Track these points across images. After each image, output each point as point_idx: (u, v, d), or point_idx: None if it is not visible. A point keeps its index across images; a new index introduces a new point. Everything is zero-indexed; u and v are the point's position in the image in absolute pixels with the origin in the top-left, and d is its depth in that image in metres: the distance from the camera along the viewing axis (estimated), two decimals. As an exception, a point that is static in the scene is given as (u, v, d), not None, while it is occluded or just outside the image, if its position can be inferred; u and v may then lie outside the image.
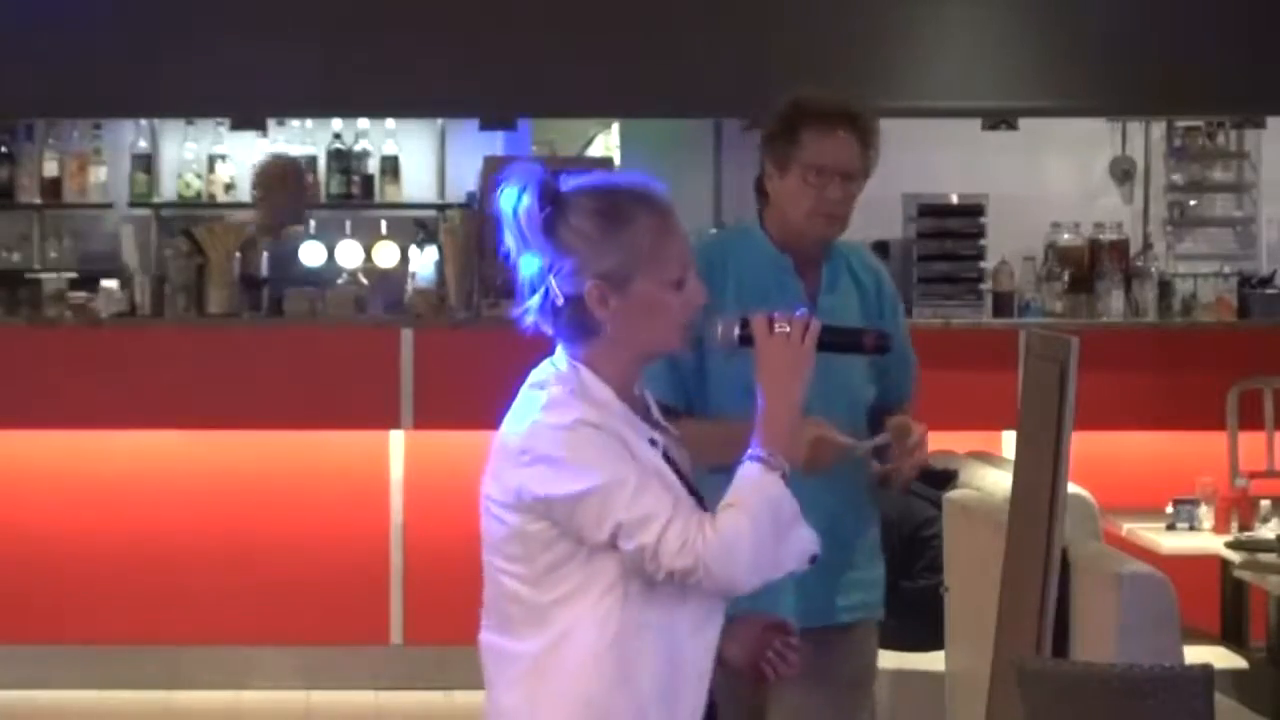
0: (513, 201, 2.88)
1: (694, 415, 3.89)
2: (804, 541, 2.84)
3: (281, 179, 8.17)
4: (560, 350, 2.92)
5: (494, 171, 7.79)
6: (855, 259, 4.25)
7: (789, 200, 4.07)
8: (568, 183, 2.91)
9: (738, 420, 3.69)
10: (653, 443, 2.88)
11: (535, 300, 2.88)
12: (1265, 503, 6.38)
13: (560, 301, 2.86)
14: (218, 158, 9.47)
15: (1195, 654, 5.08)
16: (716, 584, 2.79)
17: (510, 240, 2.89)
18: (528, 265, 2.88)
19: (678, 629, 2.85)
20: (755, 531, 2.78)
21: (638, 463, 2.82)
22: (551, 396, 2.85)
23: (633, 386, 2.93)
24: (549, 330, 2.90)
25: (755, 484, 2.81)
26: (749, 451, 2.85)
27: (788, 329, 2.90)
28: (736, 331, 2.96)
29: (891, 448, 3.99)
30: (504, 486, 2.87)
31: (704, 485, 3.02)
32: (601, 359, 2.90)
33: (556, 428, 2.82)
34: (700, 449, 3.76)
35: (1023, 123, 8.44)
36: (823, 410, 3.74)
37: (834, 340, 3.00)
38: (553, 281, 2.86)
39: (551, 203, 2.87)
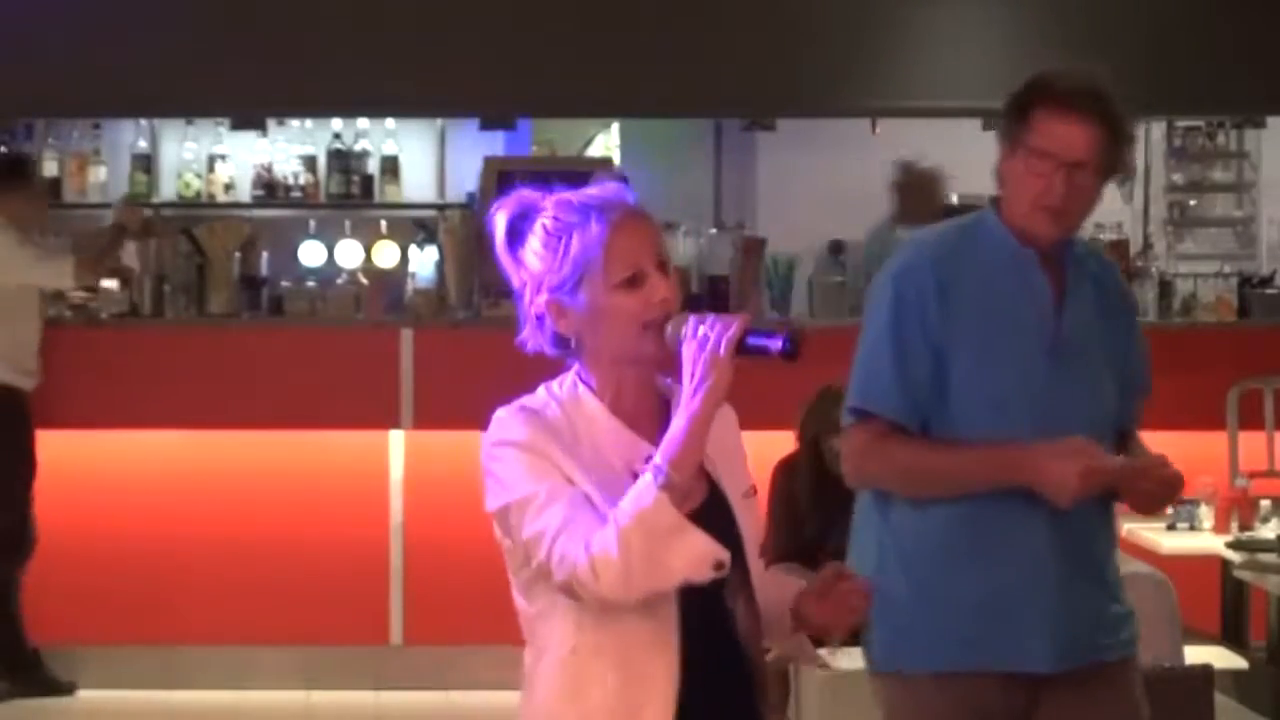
0: (496, 231, 2.92)
1: (929, 435, 3.54)
2: (695, 551, 2.74)
3: (919, 187, 7.94)
4: (574, 367, 2.94)
5: (495, 172, 7.81)
6: (1093, 258, 3.74)
7: (1013, 187, 3.60)
8: (545, 203, 2.92)
9: (974, 446, 3.50)
10: (649, 460, 2.83)
11: (528, 327, 2.92)
12: (1265, 503, 6.38)
13: (535, 323, 2.90)
14: (218, 158, 9.47)
15: (1195, 654, 5.08)
16: (593, 599, 2.76)
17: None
18: (516, 292, 2.93)
19: (634, 649, 2.82)
20: (623, 547, 2.71)
21: (555, 480, 2.79)
22: (500, 413, 2.87)
23: (632, 397, 2.90)
24: (548, 351, 2.92)
25: (635, 496, 2.74)
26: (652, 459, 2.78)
27: (708, 333, 2.76)
28: (683, 332, 2.80)
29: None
30: None
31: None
32: (590, 372, 2.91)
33: (487, 444, 2.86)
34: (922, 480, 3.55)
35: (1023, 123, 8.42)
36: (1074, 418, 3.48)
37: (751, 345, 2.75)
38: (529, 304, 2.90)
39: (519, 228, 2.90)
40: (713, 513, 2.88)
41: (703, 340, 2.76)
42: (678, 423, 2.77)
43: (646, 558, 2.73)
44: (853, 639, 2.95)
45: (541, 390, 2.92)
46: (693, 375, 2.76)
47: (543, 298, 2.87)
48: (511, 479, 2.82)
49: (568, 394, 2.90)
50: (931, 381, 3.50)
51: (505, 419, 2.86)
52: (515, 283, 2.92)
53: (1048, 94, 3.55)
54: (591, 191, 2.89)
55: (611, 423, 2.87)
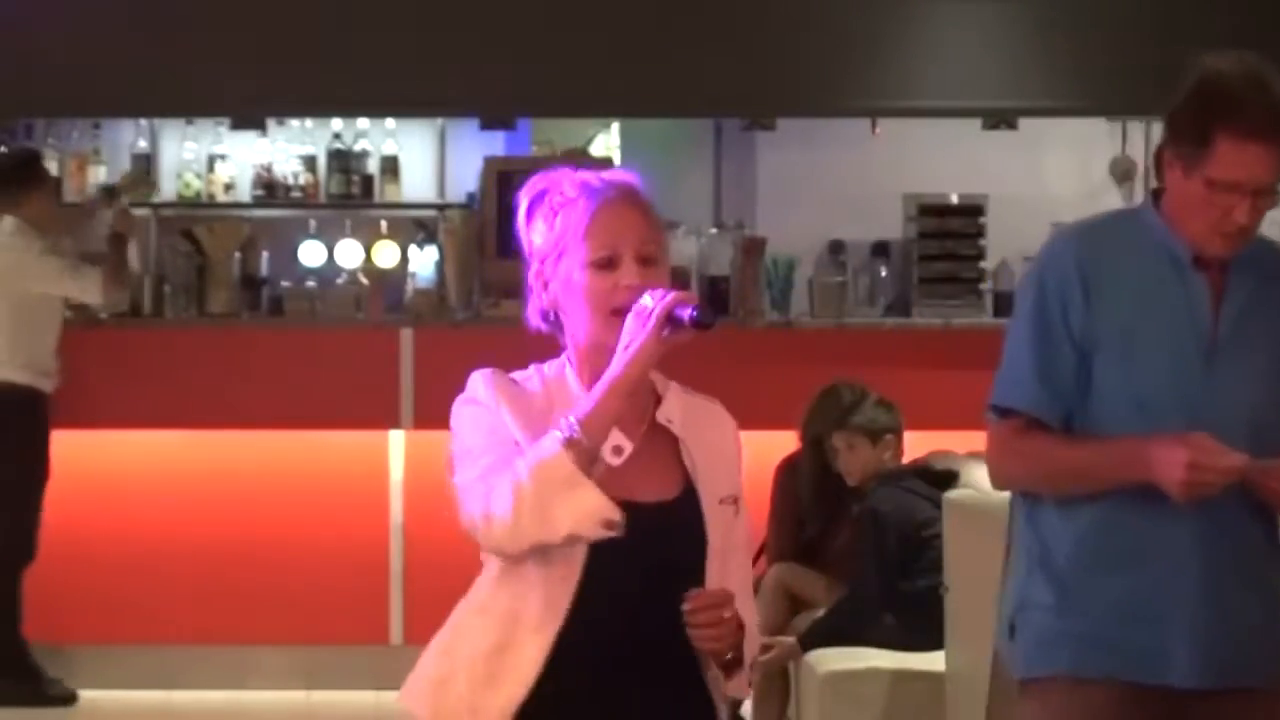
0: (520, 210, 2.98)
1: (1070, 431, 3.37)
2: (585, 506, 2.75)
3: None
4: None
5: (495, 172, 7.82)
6: (1271, 253, 3.44)
7: (1186, 207, 3.31)
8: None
9: (1099, 439, 3.31)
10: (616, 449, 2.84)
11: (529, 303, 2.98)
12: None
13: (531, 297, 2.96)
14: (218, 158, 9.46)
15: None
16: (487, 545, 2.84)
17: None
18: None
19: (522, 620, 2.85)
20: (516, 496, 2.76)
21: (498, 436, 2.85)
22: (472, 375, 2.95)
23: None
24: (544, 329, 2.97)
25: (538, 449, 2.79)
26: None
27: (650, 305, 2.80)
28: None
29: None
30: None
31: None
32: (574, 356, 2.94)
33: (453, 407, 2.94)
34: (1053, 475, 3.39)
35: (1023, 123, 8.44)
36: (1232, 423, 3.25)
37: (675, 316, 2.79)
38: (531, 278, 2.96)
39: (533, 208, 2.96)
40: (681, 512, 2.90)
41: (640, 311, 2.80)
42: (598, 384, 2.81)
43: (537, 508, 2.76)
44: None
45: (532, 367, 2.97)
46: (625, 339, 2.80)
47: (534, 268, 2.93)
48: (460, 433, 2.89)
49: (554, 372, 2.95)
50: (1074, 377, 3.35)
51: (472, 380, 2.94)
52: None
53: (1232, 120, 3.23)
54: (602, 174, 2.93)
55: None
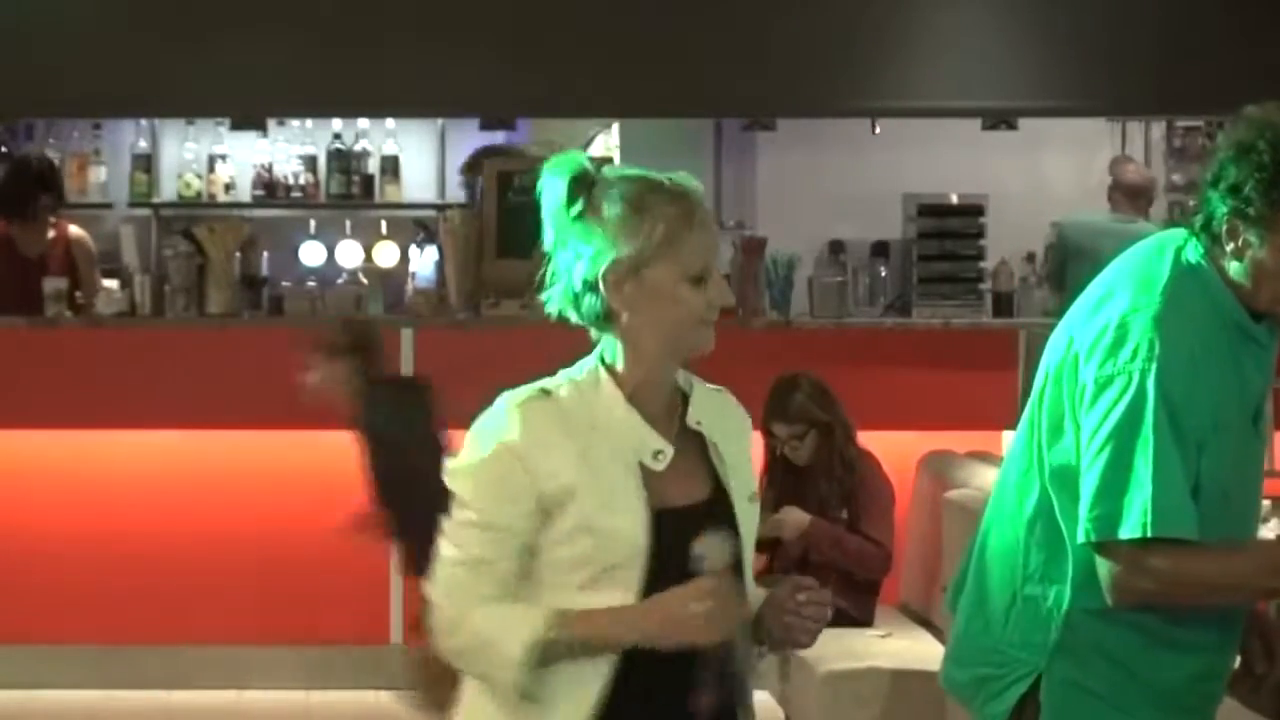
0: (549, 190, 2.90)
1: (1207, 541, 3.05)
2: (508, 678, 2.80)
3: None
4: (597, 348, 2.91)
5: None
6: None
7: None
8: (605, 171, 2.93)
9: (1241, 548, 3.13)
10: (658, 455, 2.84)
11: (560, 288, 2.89)
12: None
13: (580, 287, 2.86)
14: (218, 158, 9.47)
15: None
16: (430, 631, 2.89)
17: (546, 229, 2.90)
18: (557, 253, 2.89)
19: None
20: (466, 642, 2.83)
21: (506, 509, 2.81)
22: (507, 402, 2.86)
23: (658, 384, 2.89)
24: (573, 318, 2.90)
25: (513, 630, 2.79)
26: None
27: (701, 607, 2.77)
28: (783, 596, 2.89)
29: None
30: None
31: None
32: (624, 354, 2.88)
33: (479, 423, 2.87)
34: (1193, 593, 3.11)
35: (1023, 123, 8.45)
36: (1260, 490, 3.16)
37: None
38: (576, 266, 2.86)
39: (583, 191, 2.88)
40: (713, 513, 2.88)
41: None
42: (608, 625, 2.80)
43: (473, 661, 2.84)
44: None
45: (562, 374, 2.91)
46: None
47: (604, 265, 2.83)
48: (474, 475, 2.85)
49: (587, 379, 2.88)
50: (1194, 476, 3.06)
51: (506, 411, 2.84)
52: (557, 243, 2.88)
53: None
54: (675, 182, 2.93)
55: (629, 415, 2.86)
